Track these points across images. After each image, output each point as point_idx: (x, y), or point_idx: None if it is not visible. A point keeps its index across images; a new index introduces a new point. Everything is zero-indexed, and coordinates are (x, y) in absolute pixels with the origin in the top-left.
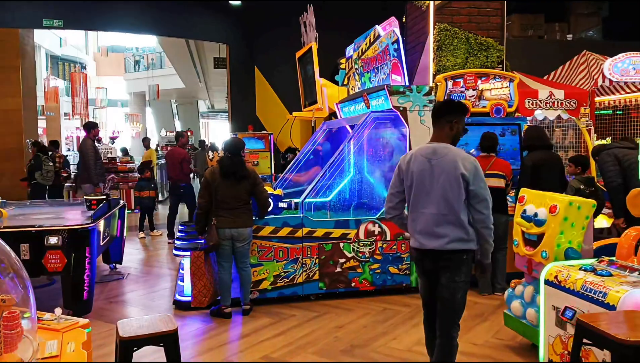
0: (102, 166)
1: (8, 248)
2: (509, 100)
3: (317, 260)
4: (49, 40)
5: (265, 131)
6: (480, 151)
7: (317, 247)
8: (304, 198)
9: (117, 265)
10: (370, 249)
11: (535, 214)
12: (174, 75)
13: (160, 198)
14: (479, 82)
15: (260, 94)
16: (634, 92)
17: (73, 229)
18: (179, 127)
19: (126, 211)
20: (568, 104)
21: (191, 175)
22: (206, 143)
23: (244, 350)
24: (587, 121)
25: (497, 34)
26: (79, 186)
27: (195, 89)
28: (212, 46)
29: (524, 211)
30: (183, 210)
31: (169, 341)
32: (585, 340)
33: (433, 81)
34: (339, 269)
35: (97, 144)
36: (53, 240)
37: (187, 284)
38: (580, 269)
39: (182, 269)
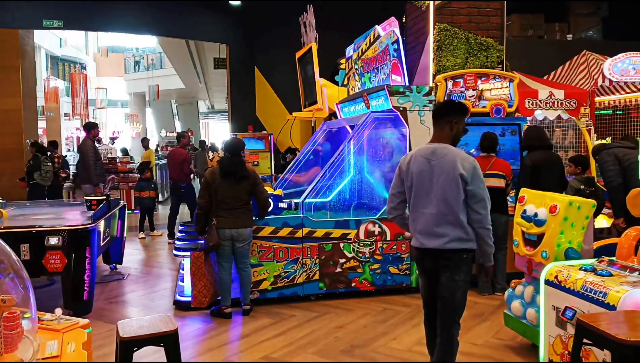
0: (102, 166)
1: (8, 248)
2: (509, 100)
3: (317, 260)
4: (49, 40)
5: (265, 132)
6: (480, 151)
7: (317, 247)
8: (304, 198)
9: (118, 266)
10: (370, 249)
11: (536, 215)
12: (174, 75)
13: (160, 199)
14: (479, 82)
15: (260, 94)
16: (633, 92)
17: (73, 229)
18: (179, 127)
19: (126, 211)
20: (568, 104)
21: (192, 175)
22: (206, 144)
23: (244, 351)
24: (587, 121)
25: (497, 34)
26: (78, 187)
27: (195, 89)
28: (212, 46)
29: (524, 211)
30: (184, 210)
31: (169, 341)
32: (585, 340)
33: (433, 81)
34: (339, 269)
35: (97, 145)
36: (53, 241)
37: (187, 284)
38: (580, 269)
39: (182, 269)
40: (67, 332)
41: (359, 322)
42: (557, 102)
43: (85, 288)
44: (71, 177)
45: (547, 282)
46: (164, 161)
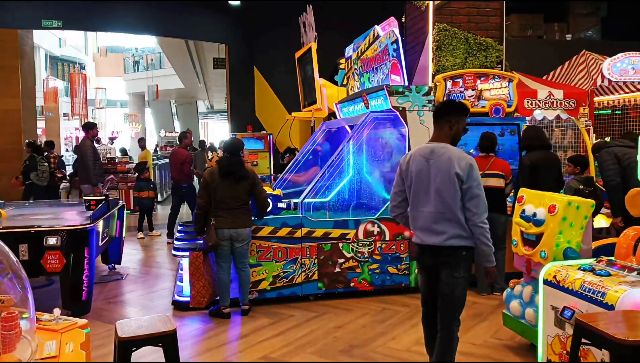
0: (101, 166)
1: (7, 248)
2: (508, 100)
3: (316, 260)
4: (48, 40)
5: (264, 132)
6: (479, 151)
7: (316, 247)
8: (303, 198)
9: (116, 266)
10: (369, 249)
11: (534, 214)
12: (173, 75)
13: (159, 199)
14: (478, 82)
15: (260, 94)
16: (632, 92)
17: (72, 229)
18: (178, 127)
19: (125, 211)
20: (567, 104)
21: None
22: (206, 143)
23: (242, 351)
24: (586, 120)
25: (496, 34)
26: (75, 187)
27: (194, 89)
28: (211, 46)
29: (523, 211)
30: (183, 210)
31: (167, 341)
32: (583, 340)
33: (432, 81)
34: (338, 269)
35: (96, 145)
36: (52, 241)
37: (186, 284)
38: (579, 269)
39: (181, 269)
40: (65, 332)
41: (357, 321)
42: (556, 102)
43: (84, 288)
44: (68, 177)
45: (545, 282)
46: (164, 161)
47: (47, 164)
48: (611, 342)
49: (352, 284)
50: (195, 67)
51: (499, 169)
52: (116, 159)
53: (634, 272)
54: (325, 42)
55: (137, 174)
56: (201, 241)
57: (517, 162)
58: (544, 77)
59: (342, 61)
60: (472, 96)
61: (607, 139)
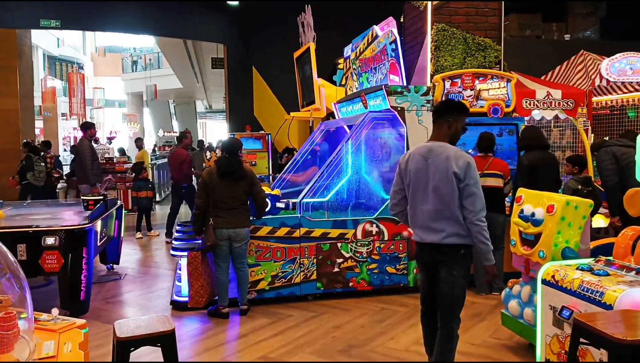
0: (99, 166)
1: (5, 248)
2: (506, 100)
3: (315, 260)
4: (46, 40)
5: (263, 131)
6: (478, 151)
7: (314, 247)
8: (302, 198)
9: (115, 266)
10: (367, 249)
11: (533, 214)
12: (172, 75)
13: (157, 198)
14: (477, 82)
15: (258, 94)
16: (631, 92)
17: (70, 229)
18: (176, 127)
19: (123, 211)
20: (565, 104)
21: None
22: (204, 143)
23: (241, 350)
24: (584, 120)
25: (494, 34)
26: (72, 187)
27: (193, 89)
28: (209, 46)
29: (522, 210)
30: (184, 210)
31: (166, 341)
32: (582, 340)
33: (431, 81)
34: (336, 269)
35: (94, 145)
36: (50, 241)
37: (184, 284)
38: (577, 269)
39: (180, 269)
40: (63, 332)
41: (356, 321)
42: (555, 102)
43: (82, 288)
44: (64, 177)
45: (544, 282)
46: (162, 161)
47: (43, 165)
48: (609, 342)
49: (350, 284)
50: (193, 67)
51: (497, 169)
52: (114, 159)
53: (632, 272)
54: (323, 42)
55: (134, 174)
56: (200, 241)
57: (516, 162)
58: (543, 77)
59: (341, 60)
60: (471, 96)
61: (607, 138)
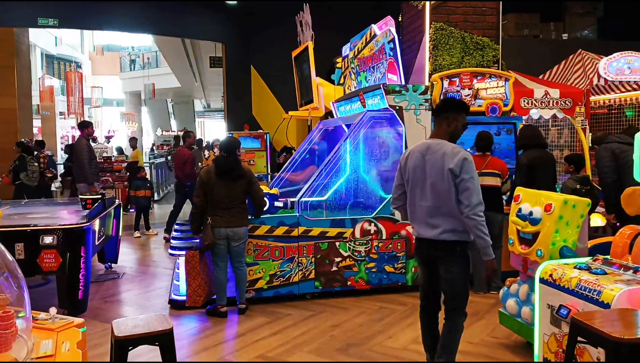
0: (97, 165)
1: (3, 247)
2: (504, 99)
3: (313, 259)
4: (44, 39)
5: (261, 130)
6: (476, 150)
7: (313, 246)
8: (300, 197)
9: (113, 265)
10: (366, 248)
11: (531, 213)
12: (170, 74)
13: (156, 197)
14: (475, 81)
15: (257, 93)
16: (628, 91)
17: (68, 228)
18: (174, 126)
19: (121, 210)
20: (563, 103)
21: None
22: (203, 142)
23: (239, 349)
24: (582, 120)
25: (492, 33)
26: (67, 187)
27: (191, 88)
28: (208, 45)
29: (519, 209)
30: (188, 209)
31: (164, 340)
32: (579, 338)
33: (429, 80)
34: (334, 268)
35: (92, 144)
36: (48, 240)
37: (182, 283)
38: (575, 267)
39: (178, 268)
40: (61, 331)
41: (354, 320)
42: (553, 101)
43: (80, 287)
44: (59, 177)
45: (541, 281)
46: (160, 160)
47: (36, 164)
48: (607, 341)
49: (349, 283)
50: (191, 66)
51: (495, 168)
52: (112, 158)
53: (630, 271)
54: (322, 41)
55: (127, 173)
56: (198, 240)
57: (514, 161)
58: (540, 77)
59: (339, 59)
60: (469, 95)
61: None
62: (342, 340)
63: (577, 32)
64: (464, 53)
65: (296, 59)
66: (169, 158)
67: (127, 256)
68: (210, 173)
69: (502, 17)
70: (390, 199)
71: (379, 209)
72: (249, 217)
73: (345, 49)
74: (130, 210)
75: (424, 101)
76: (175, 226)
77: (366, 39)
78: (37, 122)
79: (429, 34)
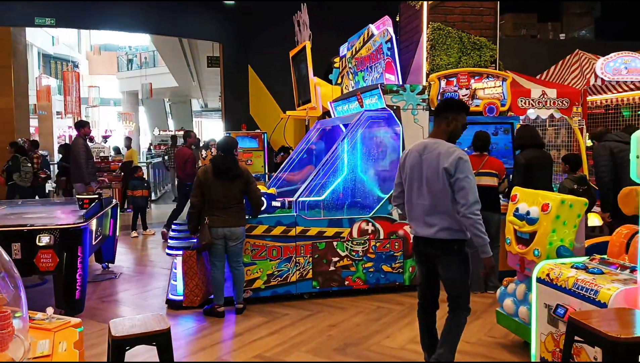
0: (93, 165)
1: None
2: (501, 99)
3: (311, 258)
4: (41, 38)
5: (258, 130)
6: (473, 150)
7: (310, 246)
8: (298, 197)
9: (110, 264)
10: (363, 248)
11: (528, 213)
12: (167, 74)
13: (153, 197)
14: (472, 81)
15: (254, 93)
16: (625, 91)
17: (65, 228)
18: (172, 126)
19: (119, 210)
20: (560, 103)
21: None
22: (201, 142)
23: (237, 349)
24: (579, 120)
25: (490, 33)
26: (61, 187)
27: (188, 87)
28: (205, 44)
29: (517, 209)
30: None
31: (161, 340)
32: (576, 338)
33: (426, 80)
34: (332, 268)
35: (89, 143)
36: (45, 239)
37: (179, 283)
38: (572, 267)
39: (175, 268)
40: (58, 331)
41: (352, 320)
42: (550, 101)
43: (77, 287)
44: (54, 177)
45: (539, 280)
46: (157, 160)
47: (30, 165)
48: (604, 340)
49: (346, 282)
50: (189, 66)
51: (492, 168)
52: (109, 158)
53: (627, 270)
54: (319, 40)
55: (122, 173)
56: (195, 240)
57: (511, 161)
58: (538, 77)
59: (337, 59)
60: (466, 95)
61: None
62: (340, 340)
63: (574, 32)
64: (462, 53)
65: (294, 59)
66: (166, 157)
67: (124, 256)
68: (208, 172)
69: (499, 17)
70: (388, 198)
71: (376, 209)
72: (247, 217)
73: (343, 49)
74: (128, 210)
75: (421, 101)
76: (173, 226)
77: (364, 39)
78: (34, 122)
79: (427, 34)
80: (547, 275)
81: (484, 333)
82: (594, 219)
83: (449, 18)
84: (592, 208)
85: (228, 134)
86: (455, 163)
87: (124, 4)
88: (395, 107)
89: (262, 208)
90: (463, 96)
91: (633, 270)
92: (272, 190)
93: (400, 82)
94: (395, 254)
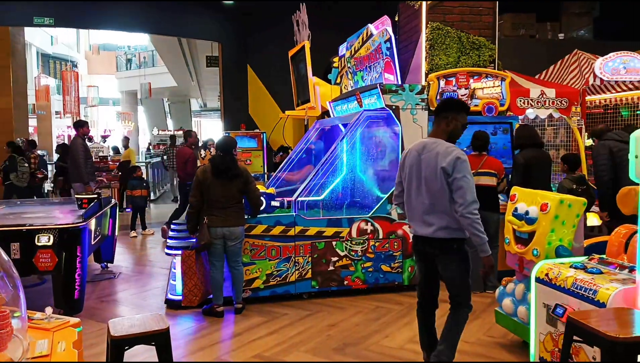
0: (92, 164)
1: None
2: (500, 99)
3: (310, 258)
4: (39, 38)
5: (257, 130)
6: (472, 150)
7: (309, 246)
8: (297, 197)
9: (109, 264)
10: (362, 247)
11: (527, 213)
12: (166, 73)
13: (152, 197)
14: (471, 81)
15: (253, 92)
16: (624, 91)
17: (64, 228)
18: (171, 125)
19: (117, 209)
20: (559, 103)
21: None
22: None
23: (236, 349)
24: (578, 119)
25: (489, 33)
26: (58, 187)
27: (187, 87)
28: (204, 44)
29: (516, 209)
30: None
31: (160, 340)
32: (575, 338)
33: (425, 80)
34: (331, 267)
35: (88, 143)
36: (44, 239)
37: (178, 283)
38: (570, 267)
39: (174, 268)
40: (57, 331)
41: (351, 320)
42: (549, 101)
43: (76, 287)
44: (52, 177)
45: (537, 280)
46: (156, 160)
47: (27, 165)
48: (603, 340)
49: (345, 282)
50: (188, 66)
51: (491, 168)
52: (108, 158)
53: (626, 270)
54: (318, 40)
55: (119, 173)
56: (194, 240)
57: (510, 161)
58: (537, 77)
59: (336, 59)
60: (465, 94)
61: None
62: (339, 340)
63: (573, 32)
64: (461, 53)
65: (293, 59)
66: (165, 157)
67: (123, 255)
68: (207, 172)
69: (498, 17)
70: (387, 198)
71: (375, 208)
72: (246, 217)
73: (342, 49)
74: (127, 210)
75: (420, 100)
76: (172, 226)
77: (363, 39)
78: (32, 122)
79: (426, 33)
80: (546, 274)
81: (483, 332)
82: (593, 219)
83: (448, 18)
84: (591, 208)
85: (227, 134)
86: (452, 162)
87: (123, 4)
88: (394, 107)
89: (261, 208)
90: (462, 95)
91: (632, 269)
92: (271, 190)
93: (399, 82)
94: (394, 254)
